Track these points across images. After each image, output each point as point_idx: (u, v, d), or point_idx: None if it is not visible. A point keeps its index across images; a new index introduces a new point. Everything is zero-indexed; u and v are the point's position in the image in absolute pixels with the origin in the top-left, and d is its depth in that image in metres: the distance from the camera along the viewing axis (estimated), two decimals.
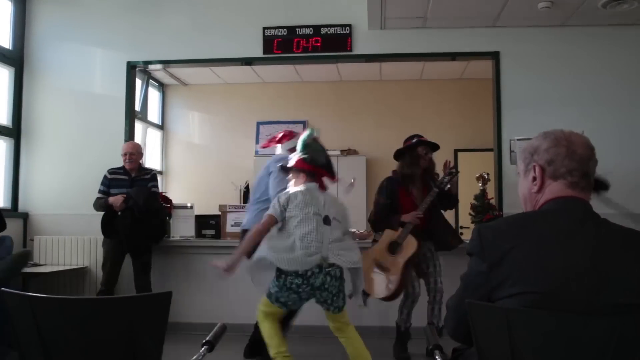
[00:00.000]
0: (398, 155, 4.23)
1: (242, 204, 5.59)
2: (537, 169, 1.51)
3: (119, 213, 4.40)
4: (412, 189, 4.15)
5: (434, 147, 4.23)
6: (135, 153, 4.63)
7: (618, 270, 1.33)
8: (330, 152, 7.67)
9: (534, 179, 1.52)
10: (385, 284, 3.91)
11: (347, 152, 7.34)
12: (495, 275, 1.40)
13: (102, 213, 4.48)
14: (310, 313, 3.63)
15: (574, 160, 1.46)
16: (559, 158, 1.47)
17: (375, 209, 4.22)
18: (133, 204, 4.36)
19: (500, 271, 1.39)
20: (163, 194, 5.27)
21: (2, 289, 1.46)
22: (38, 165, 5.32)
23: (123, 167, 4.61)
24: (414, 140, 4.19)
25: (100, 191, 4.54)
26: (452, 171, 4.11)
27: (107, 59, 5.40)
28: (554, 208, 1.47)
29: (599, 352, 1.24)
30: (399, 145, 4.28)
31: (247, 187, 6.67)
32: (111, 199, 4.42)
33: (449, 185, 4.12)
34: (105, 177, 4.58)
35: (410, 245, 3.94)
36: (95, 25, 5.42)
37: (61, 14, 5.46)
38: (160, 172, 7.75)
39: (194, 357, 1.51)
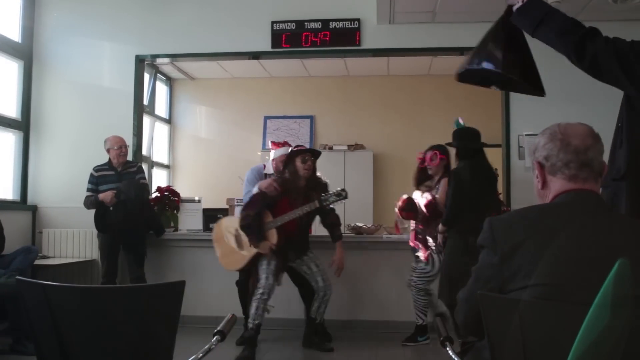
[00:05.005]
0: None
1: None
2: (536, 166, 1.52)
3: (111, 208, 4.44)
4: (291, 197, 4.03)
5: (315, 153, 4.17)
6: (127, 145, 4.69)
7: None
8: (337, 147, 7.69)
9: (537, 176, 1.53)
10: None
11: (354, 147, 7.34)
12: (507, 268, 1.41)
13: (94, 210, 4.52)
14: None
15: (568, 152, 1.46)
16: (553, 152, 1.48)
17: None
18: (124, 198, 4.40)
19: (512, 263, 1.40)
20: (170, 187, 5.30)
21: (18, 277, 1.48)
22: (47, 158, 5.34)
23: (108, 163, 4.63)
24: (290, 150, 4.19)
25: (88, 189, 4.55)
26: (342, 193, 3.98)
27: (115, 53, 5.42)
28: (565, 200, 1.47)
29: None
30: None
31: None
32: (101, 196, 4.43)
33: (332, 206, 4.07)
34: (91, 175, 4.58)
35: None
36: (104, 18, 5.43)
37: (70, 8, 5.47)
38: (168, 166, 7.78)
39: (206, 347, 1.52)
